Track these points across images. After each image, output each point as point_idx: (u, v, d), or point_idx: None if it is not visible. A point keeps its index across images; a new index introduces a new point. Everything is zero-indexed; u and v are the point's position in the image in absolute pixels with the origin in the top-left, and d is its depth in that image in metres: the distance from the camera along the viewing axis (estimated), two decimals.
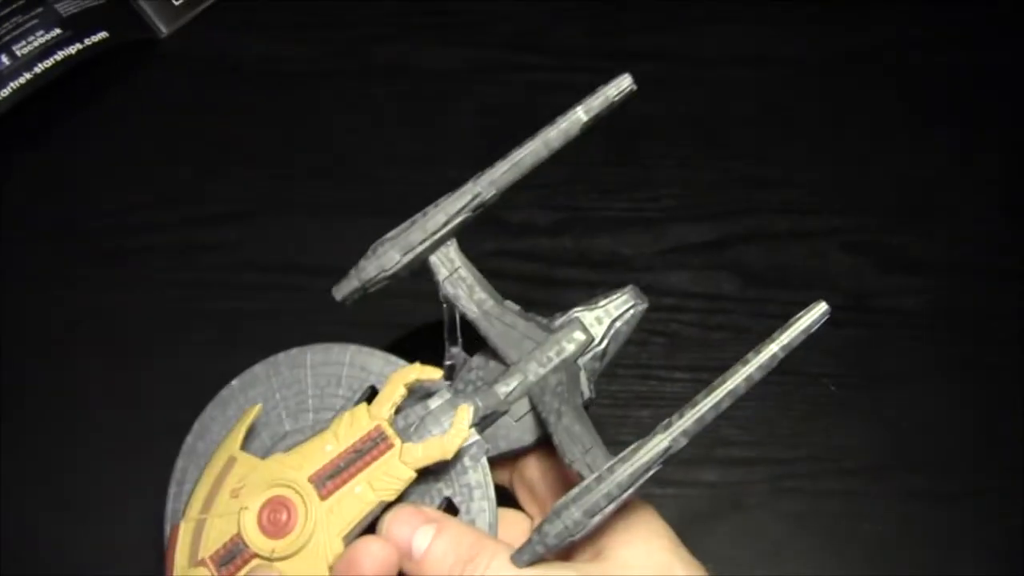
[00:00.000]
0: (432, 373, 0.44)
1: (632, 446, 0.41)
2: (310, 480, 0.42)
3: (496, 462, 0.45)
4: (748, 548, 0.61)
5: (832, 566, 0.60)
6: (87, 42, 0.73)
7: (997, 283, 0.68)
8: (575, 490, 0.40)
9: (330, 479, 0.42)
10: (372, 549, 0.41)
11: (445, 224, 0.45)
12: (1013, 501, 0.62)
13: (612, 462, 0.40)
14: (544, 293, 0.65)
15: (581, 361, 0.45)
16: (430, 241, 0.45)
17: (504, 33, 0.77)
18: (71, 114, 0.74)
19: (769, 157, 0.72)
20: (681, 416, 0.41)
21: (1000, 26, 0.78)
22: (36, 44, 0.72)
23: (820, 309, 0.41)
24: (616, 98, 0.45)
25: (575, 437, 0.42)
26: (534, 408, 0.44)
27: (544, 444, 0.45)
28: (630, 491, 0.40)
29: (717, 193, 0.71)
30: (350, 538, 0.42)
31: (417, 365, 0.44)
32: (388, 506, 0.43)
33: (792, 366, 0.64)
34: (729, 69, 0.75)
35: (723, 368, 0.64)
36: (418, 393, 0.45)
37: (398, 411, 0.44)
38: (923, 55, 0.76)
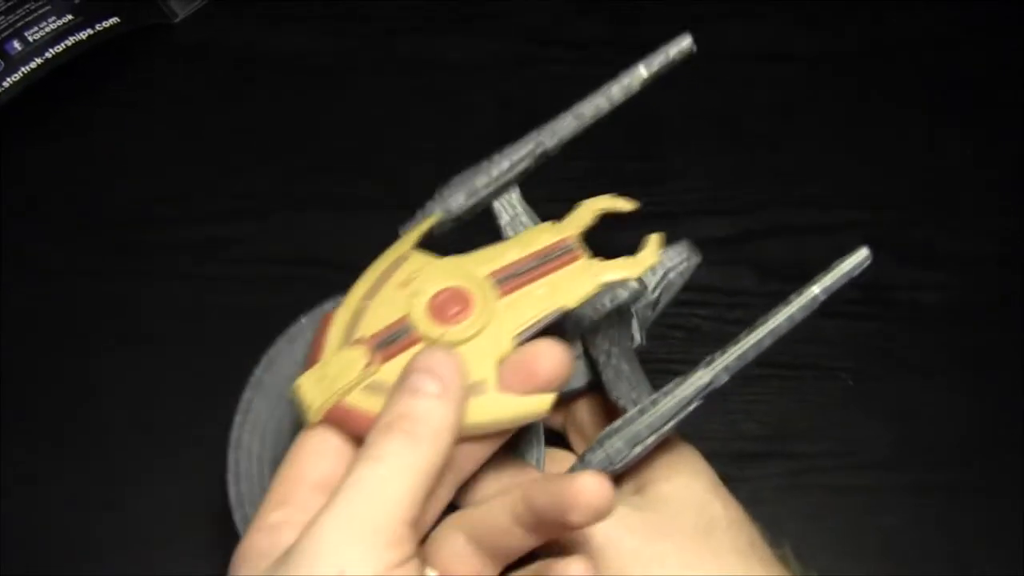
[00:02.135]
0: (624, 204, 0.43)
1: (675, 380, 0.42)
2: (490, 276, 0.40)
3: None
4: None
5: (848, 561, 0.60)
6: (98, 27, 0.73)
7: (1017, 277, 0.68)
8: (619, 421, 0.41)
9: (512, 278, 0.40)
10: (557, 348, 0.38)
11: (509, 170, 0.46)
12: None
13: (655, 395, 0.42)
14: None
15: (634, 308, 0.46)
16: (494, 186, 0.46)
17: (525, 26, 0.77)
18: (87, 102, 0.74)
19: (788, 151, 0.72)
20: (724, 352, 0.42)
21: (1021, 20, 0.77)
22: (48, 30, 0.72)
23: (861, 254, 0.42)
24: (676, 57, 0.46)
25: (623, 375, 0.43)
26: (586, 351, 0.45)
27: (595, 388, 0.46)
28: (671, 424, 0.41)
29: (736, 187, 0.71)
30: (521, 339, 0.39)
31: (608, 196, 0.44)
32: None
33: (809, 359, 0.65)
34: (749, 63, 0.75)
35: None
36: None
37: None
38: (942, 49, 0.76)
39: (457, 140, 0.72)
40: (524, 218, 0.47)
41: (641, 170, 0.71)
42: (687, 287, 0.66)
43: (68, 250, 0.68)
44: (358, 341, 0.38)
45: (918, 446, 0.63)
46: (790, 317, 0.42)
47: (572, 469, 0.42)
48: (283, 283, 0.66)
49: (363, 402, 0.37)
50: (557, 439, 0.48)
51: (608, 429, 0.41)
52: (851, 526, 0.61)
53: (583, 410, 0.47)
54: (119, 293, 0.67)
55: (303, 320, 0.46)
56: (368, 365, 0.38)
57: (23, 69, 0.71)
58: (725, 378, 0.41)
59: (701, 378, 0.41)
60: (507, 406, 0.37)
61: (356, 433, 0.37)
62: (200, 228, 0.69)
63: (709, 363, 0.42)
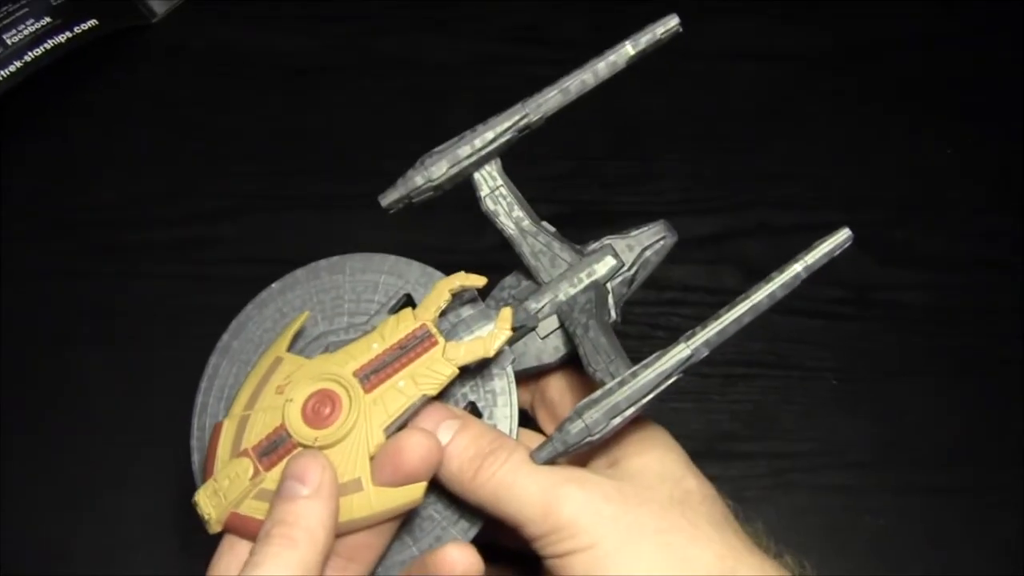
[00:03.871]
0: (476, 280, 0.45)
1: (655, 355, 0.41)
2: (355, 374, 0.42)
3: (519, 380, 0.46)
4: None
5: (833, 560, 0.60)
6: (76, 30, 0.74)
7: (998, 277, 0.69)
8: (597, 392, 0.41)
9: (375, 373, 0.42)
10: (418, 439, 0.41)
11: (492, 141, 0.46)
12: (1014, 495, 0.62)
13: (635, 368, 0.42)
14: None
15: (610, 285, 0.46)
16: (476, 156, 0.46)
17: (506, 26, 0.77)
18: (66, 105, 0.73)
19: (771, 151, 0.72)
20: (704, 327, 0.42)
21: (1002, 24, 0.78)
22: (26, 33, 0.72)
23: (844, 234, 0.42)
24: (663, 36, 0.46)
25: (600, 348, 0.43)
26: (562, 325, 0.46)
27: (566, 365, 0.47)
28: (650, 396, 0.41)
29: (719, 187, 0.71)
30: (391, 430, 0.42)
31: (461, 273, 0.45)
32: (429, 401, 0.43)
33: (793, 360, 0.65)
34: (732, 63, 0.75)
35: (724, 361, 0.65)
36: (455, 303, 0.46)
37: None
38: (925, 50, 0.77)
39: (438, 140, 0.72)
40: (504, 190, 0.47)
41: (625, 169, 0.71)
42: (669, 285, 0.67)
43: (48, 251, 0.68)
44: (244, 452, 0.42)
45: (901, 445, 0.64)
46: (771, 294, 0.42)
47: (549, 439, 0.42)
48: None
49: (255, 510, 0.41)
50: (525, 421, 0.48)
51: (586, 400, 0.41)
52: (835, 524, 0.61)
53: (553, 388, 0.47)
54: (98, 293, 0.66)
55: (274, 286, 0.48)
56: (255, 475, 0.41)
57: (2, 73, 0.71)
58: (705, 352, 0.41)
59: (681, 352, 0.41)
60: (382, 499, 0.41)
61: (254, 539, 0.40)
62: (180, 229, 0.69)
63: (689, 337, 0.41)
